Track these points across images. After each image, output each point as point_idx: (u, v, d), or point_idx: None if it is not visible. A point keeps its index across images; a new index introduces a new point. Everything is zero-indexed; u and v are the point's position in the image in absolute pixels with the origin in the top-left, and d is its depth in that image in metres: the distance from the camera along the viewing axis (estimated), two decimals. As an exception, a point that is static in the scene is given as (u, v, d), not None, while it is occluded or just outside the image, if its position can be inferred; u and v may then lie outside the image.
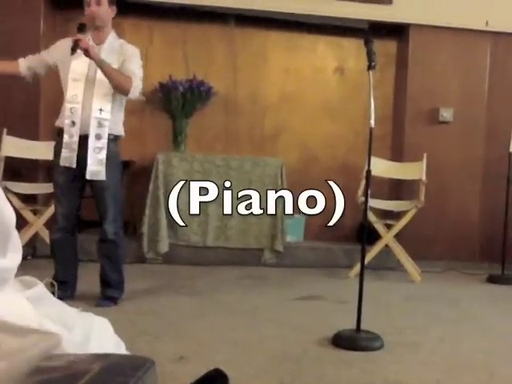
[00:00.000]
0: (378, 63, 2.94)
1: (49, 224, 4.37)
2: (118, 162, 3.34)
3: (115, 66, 3.26)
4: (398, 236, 4.78)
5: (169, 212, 4.77)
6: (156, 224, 4.74)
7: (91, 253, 4.69)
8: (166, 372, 2.28)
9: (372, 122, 2.90)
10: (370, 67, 2.89)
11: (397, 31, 5.60)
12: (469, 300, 4.07)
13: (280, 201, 4.94)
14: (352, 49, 5.60)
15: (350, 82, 5.65)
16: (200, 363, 2.41)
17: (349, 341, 2.84)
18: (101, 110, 3.19)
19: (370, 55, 2.89)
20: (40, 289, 1.22)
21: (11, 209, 1.02)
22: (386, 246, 4.73)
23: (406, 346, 2.92)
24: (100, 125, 3.19)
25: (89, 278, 3.55)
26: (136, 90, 3.29)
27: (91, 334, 1.23)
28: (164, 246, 4.73)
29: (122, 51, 3.34)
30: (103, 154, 3.20)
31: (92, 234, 4.99)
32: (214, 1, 5.21)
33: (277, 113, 5.61)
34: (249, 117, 5.58)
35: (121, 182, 3.41)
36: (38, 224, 4.24)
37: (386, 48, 5.57)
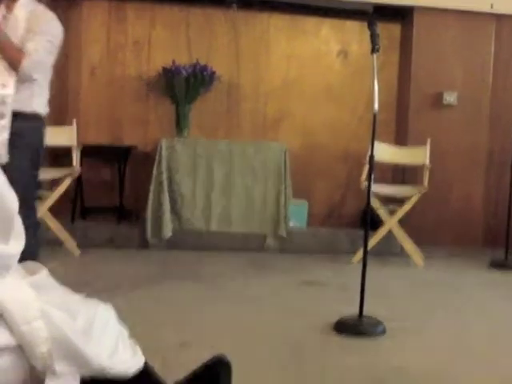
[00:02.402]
0: (381, 47, 2.91)
1: (52, 209, 4.38)
2: (29, 144, 2.93)
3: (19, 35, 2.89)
4: (401, 221, 4.77)
5: (172, 197, 4.77)
6: (159, 209, 4.73)
7: (93, 239, 4.72)
8: (169, 358, 2.30)
9: (376, 106, 2.87)
10: (373, 50, 2.86)
11: (401, 14, 5.54)
12: (472, 286, 4.07)
13: (283, 186, 4.93)
14: (355, 32, 5.55)
15: (353, 65, 5.61)
16: (203, 350, 2.39)
17: (351, 327, 2.84)
18: (3, 85, 2.84)
19: (373, 38, 2.86)
20: (44, 275, 1.22)
21: (14, 195, 1.03)
22: (390, 231, 4.72)
23: (409, 332, 2.93)
24: (1, 102, 2.82)
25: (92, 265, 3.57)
26: (27, 69, 2.87)
27: (94, 321, 1.24)
28: (167, 231, 4.73)
29: (30, 19, 2.94)
30: (5, 135, 2.79)
31: (94, 220, 5.01)
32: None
33: (280, 98, 5.58)
34: (251, 102, 5.54)
35: (34, 166, 2.99)
36: (41, 209, 4.23)
37: (389, 31, 5.52)
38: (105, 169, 5.21)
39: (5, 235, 0.98)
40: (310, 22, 5.62)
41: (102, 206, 5.09)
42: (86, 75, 5.33)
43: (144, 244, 4.77)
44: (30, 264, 1.17)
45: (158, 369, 1.57)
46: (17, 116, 2.83)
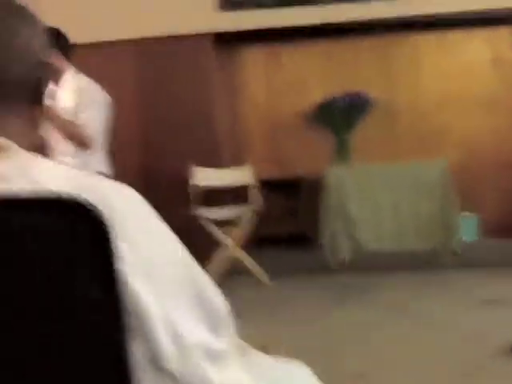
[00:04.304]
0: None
1: (242, 244, 4.79)
2: None
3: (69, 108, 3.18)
4: None
5: (345, 222, 5.01)
6: (334, 234, 4.99)
7: (274, 266, 5.07)
8: None
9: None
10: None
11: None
12: None
13: (449, 201, 4.98)
14: (507, 38, 5.50)
15: (508, 72, 5.55)
16: (380, 380, 2.47)
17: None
18: (62, 152, 3.19)
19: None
20: (253, 355, 1.27)
21: (222, 297, 1.05)
22: None
23: None
24: None
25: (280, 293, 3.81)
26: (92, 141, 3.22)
27: None
28: (344, 255, 4.96)
29: (77, 92, 3.21)
30: None
31: (272, 249, 5.37)
32: (363, 14, 5.37)
33: (437, 114, 5.65)
34: (409, 122, 5.67)
35: None
36: (232, 245, 4.67)
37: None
38: (280, 200, 5.59)
39: (215, 330, 1.01)
40: (459, 35, 5.65)
41: (280, 234, 5.47)
42: (254, 115, 5.79)
43: (323, 268, 5.03)
44: (238, 342, 1.20)
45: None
46: None
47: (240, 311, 1.05)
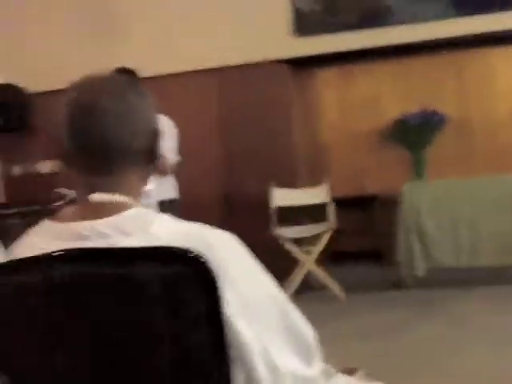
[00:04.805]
0: None
1: (317, 260, 4.99)
2: None
3: None
4: None
5: (420, 238, 5.09)
6: (409, 250, 5.08)
7: (350, 282, 5.22)
8: None
9: None
10: None
11: None
12: None
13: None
14: None
15: None
16: None
17: None
18: None
19: None
20: (337, 377, 1.36)
21: (311, 328, 1.17)
22: None
23: None
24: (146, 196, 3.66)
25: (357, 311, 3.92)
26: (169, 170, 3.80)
27: None
28: (419, 271, 5.04)
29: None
30: None
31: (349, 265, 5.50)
32: (436, 33, 5.45)
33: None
34: (483, 137, 5.69)
35: None
36: (309, 262, 4.88)
37: None
38: (354, 217, 5.75)
39: (308, 360, 1.14)
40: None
41: (355, 251, 5.63)
42: (328, 135, 5.99)
43: (398, 284, 5.13)
44: (326, 368, 1.29)
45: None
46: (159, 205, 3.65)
47: (317, 327, 1.17)
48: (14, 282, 1.04)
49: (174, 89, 5.28)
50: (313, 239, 5.06)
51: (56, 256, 1.02)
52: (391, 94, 5.86)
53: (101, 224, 1.07)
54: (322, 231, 4.97)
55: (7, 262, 1.09)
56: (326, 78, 6.03)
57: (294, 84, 5.76)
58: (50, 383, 1.05)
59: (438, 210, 5.14)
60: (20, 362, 1.06)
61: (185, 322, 0.97)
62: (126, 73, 3.52)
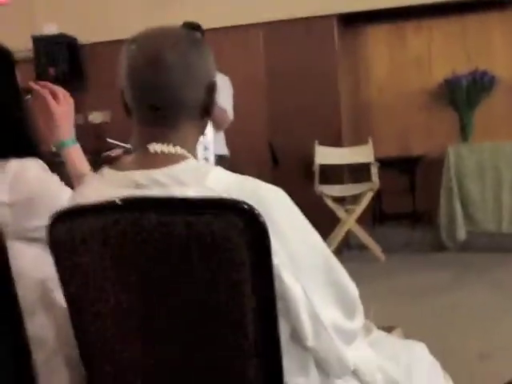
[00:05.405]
0: None
1: (359, 220, 5.02)
2: None
3: None
4: None
5: (463, 201, 5.04)
6: (451, 213, 5.04)
7: (391, 243, 5.24)
8: (471, 371, 2.34)
9: None
10: None
11: None
12: None
13: None
14: None
15: None
16: (504, 362, 2.43)
17: None
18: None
19: None
20: (375, 333, 1.43)
21: (354, 284, 1.21)
22: None
23: None
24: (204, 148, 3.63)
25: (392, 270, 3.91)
26: (226, 125, 3.78)
27: (413, 362, 1.39)
28: (461, 235, 5.01)
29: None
30: None
31: (391, 226, 5.52)
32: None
33: None
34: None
35: None
36: (350, 221, 4.91)
37: None
38: (397, 178, 5.71)
39: (351, 315, 1.19)
40: None
41: (397, 212, 5.62)
42: (375, 93, 5.91)
43: (438, 247, 5.12)
44: (365, 323, 1.35)
45: (461, 382, 1.59)
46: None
47: (356, 285, 1.20)
48: (96, 224, 1.08)
49: (221, 43, 5.26)
50: (355, 199, 5.08)
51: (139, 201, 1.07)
52: (442, 53, 5.72)
53: (158, 173, 1.11)
54: (365, 191, 4.97)
55: (93, 204, 1.11)
56: (376, 34, 5.91)
57: (342, 41, 5.68)
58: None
59: (482, 173, 5.07)
60: (98, 301, 1.13)
61: (238, 269, 1.01)
62: (192, 27, 3.53)
